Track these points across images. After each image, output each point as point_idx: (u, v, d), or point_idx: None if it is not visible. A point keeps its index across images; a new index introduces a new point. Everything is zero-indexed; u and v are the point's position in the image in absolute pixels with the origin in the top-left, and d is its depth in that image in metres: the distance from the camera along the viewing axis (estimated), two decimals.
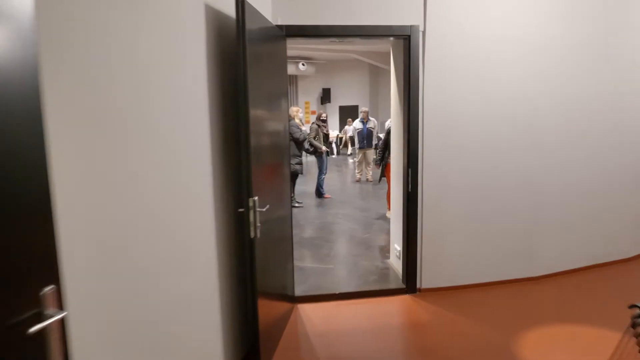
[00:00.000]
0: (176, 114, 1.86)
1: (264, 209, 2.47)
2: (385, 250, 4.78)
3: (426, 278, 3.73)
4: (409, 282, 3.72)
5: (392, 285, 3.83)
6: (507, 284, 3.86)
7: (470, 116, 3.60)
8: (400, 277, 3.92)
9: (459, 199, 3.69)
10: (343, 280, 3.99)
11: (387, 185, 6.57)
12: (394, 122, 4.23)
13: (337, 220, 6.25)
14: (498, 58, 3.56)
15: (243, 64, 2.29)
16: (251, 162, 2.33)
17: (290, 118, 6.91)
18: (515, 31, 3.56)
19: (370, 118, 9.43)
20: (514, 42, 3.57)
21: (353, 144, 12.19)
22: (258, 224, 2.39)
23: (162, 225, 1.74)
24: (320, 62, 15.99)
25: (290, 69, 15.16)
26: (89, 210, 1.29)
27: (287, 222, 3.31)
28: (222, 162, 2.43)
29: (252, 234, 2.38)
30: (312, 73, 15.89)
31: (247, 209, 2.36)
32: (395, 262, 4.19)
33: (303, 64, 15.19)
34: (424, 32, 3.45)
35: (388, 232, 5.36)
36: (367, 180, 9.56)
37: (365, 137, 9.18)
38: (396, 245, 4.15)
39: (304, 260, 4.54)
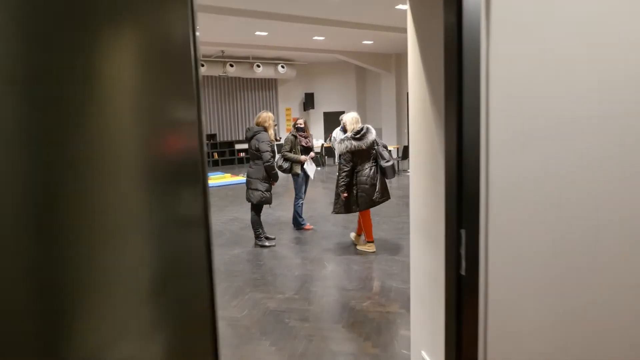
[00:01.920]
0: None
1: None
2: (399, 339, 2.98)
3: None
4: None
5: None
6: None
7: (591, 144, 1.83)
8: None
9: (549, 287, 1.91)
10: None
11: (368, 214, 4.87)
12: (413, 129, 2.46)
13: (320, 272, 4.43)
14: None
15: None
16: None
17: (261, 129, 5.08)
18: None
19: None
20: None
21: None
22: None
23: None
24: (302, 64, 14.28)
25: (269, 72, 13.46)
26: None
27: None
28: None
29: None
30: (292, 77, 14.16)
31: None
32: None
33: (282, 67, 13.44)
34: None
35: (399, 300, 3.54)
36: None
37: None
38: (425, 354, 2.34)
39: None
